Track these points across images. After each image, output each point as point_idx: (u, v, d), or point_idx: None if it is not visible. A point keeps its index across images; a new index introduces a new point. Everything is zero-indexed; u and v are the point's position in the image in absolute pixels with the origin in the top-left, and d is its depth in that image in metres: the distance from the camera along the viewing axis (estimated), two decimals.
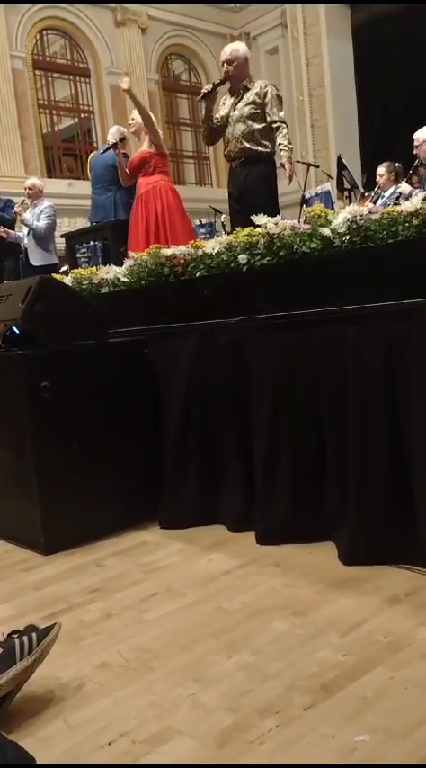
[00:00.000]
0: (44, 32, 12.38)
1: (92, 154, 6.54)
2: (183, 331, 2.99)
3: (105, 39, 12.92)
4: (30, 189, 6.51)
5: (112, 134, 5.83)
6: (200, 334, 2.90)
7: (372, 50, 11.68)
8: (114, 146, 5.07)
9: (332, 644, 1.75)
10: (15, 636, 1.62)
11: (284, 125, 4.31)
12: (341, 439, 2.37)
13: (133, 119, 4.92)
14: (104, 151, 5.46)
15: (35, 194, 6.48)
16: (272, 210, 3.02)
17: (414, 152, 5.71)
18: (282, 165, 4.30)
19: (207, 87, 4.42)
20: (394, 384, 2.22)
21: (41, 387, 2.66)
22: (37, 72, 12.28)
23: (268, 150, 4.33)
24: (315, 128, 11.84)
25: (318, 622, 1.87)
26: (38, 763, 1.31)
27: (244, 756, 1.37)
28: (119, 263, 3.71)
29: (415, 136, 5.68)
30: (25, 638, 1.60)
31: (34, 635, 1.62)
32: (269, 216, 2.76)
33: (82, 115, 13.12)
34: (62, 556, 2.62)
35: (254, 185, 4.34)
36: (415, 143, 5.66)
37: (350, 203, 6.69)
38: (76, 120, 13.17)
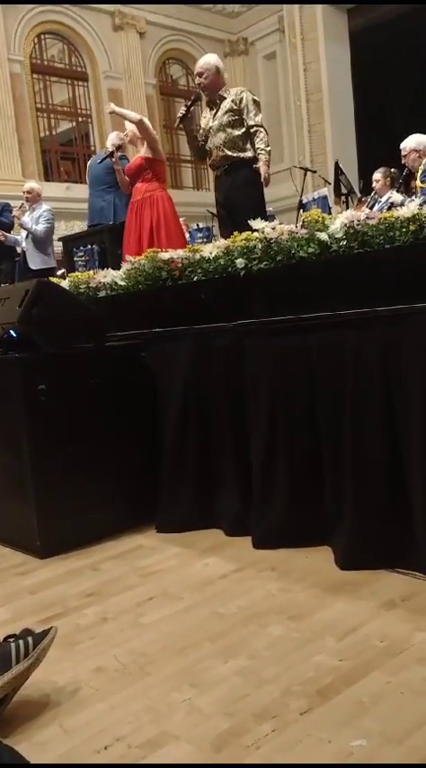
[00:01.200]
0: (42, 36, 12.40)
1: (91, 159, 6.54)
2: (181, 335, 3.00)
3: (103, 43, 12.95)
4: (28, 193, 6.52)
5: (112, 139, 5.84)
6: (198, 338, 2.90)
7: (369, 56, 11.73)
8: (111, 154, 5.08)
9: (328, 648, 1.75)
10: (11, 640, 1.61)
11: (262, 129, 4.35)
12: (338, 443, 2.37)
13: (126, 128, 4.96)
14: (101, 161, 5.47)
15: (34, 198, 6.50)
16: (260, 214, 3.03)
17: (402, 161, 5.73)
18: (257, 169, 4.31)
19: (181, 111, 4.49)
20: (391, 388, 2.22)
21: (38, 390, 2.66)
22: (35, 76, 12.30)
23: (250, 155, 4.38)
24: (313, 133, 11.86)
25: (314, 627, 1.87)
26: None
27: (240, 761, 1.36)
28: (117, 267, 3.71)
29: (402, 145, 5.70)
30: (21, 643, 1.60)
31: (30, 639, 1.62)
32: (259, 219, 2.77)
33: (80, 119, 13.13)
34: (58, 559, 2.62)
35: (239, 191, 4.38)
36: (402, 152, 5.68)
37: (347, 208, 6.71)
38: (74, 123, 13.18)
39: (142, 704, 1.59)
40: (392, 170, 6.57)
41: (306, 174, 7.67)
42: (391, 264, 2.32)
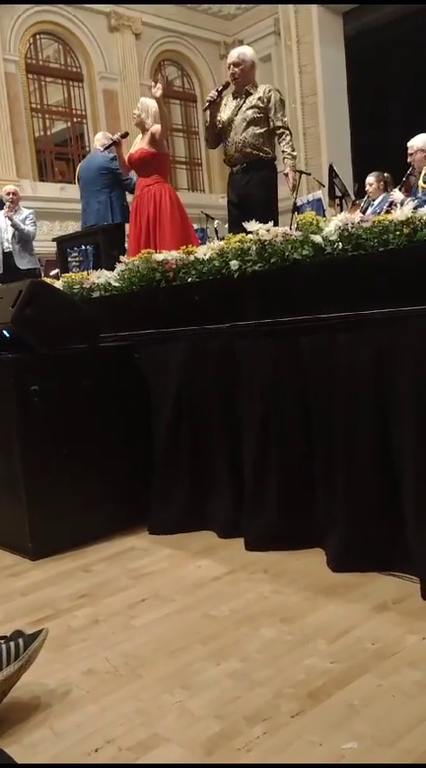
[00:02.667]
0: (38, 36, 12.37)
1: (81, 163, 6.50)
2: (174, 336, 2.99)
3: (99, 44, 12.93)
4: (14, 195, 6.55)
5: (99, 139, 5.84)
6: (191, 340, 2.90)
7: (364, 59, 11.76)
8: (115, 143, 5.06)
9: (320, 651, 1.75)
10: (2, 641, 1.61)
11: (287, 131, 4.27)
12: (330, 446, 2.37)
13: (137, 110, 4.87)
14: (106, 148, 5.45)
15: (18, 200, 6.57)
16: (273, 216, 3.00)
17: (408, 159, 5.73)
18: (286, 175, 4.27)
19: (211, 95, 4.36)
20: (383, 392, 2.23)
21: (31, 391, 2.65)
22: (30, 76, 12.27)
23: (270, 156, 4.30)
24: (307, 135, 11.87)
25: (306, 629, 1.87)
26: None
27: (231, 764, 1.36)
28: (111, 268, 3.70)
29: (410, 144, 5.69)
30: (12, 644, 1.59)
31: (21, 641, 1.61)
32: (271, 222, 2.76)
33: (74, 119, 13.11)
34: (50, 561, 2.61)
35: (256, 191, 4.29)
36: (409, 150, 5.68)
37: (341, 211, 6.72)
38: (69, 124, 13.16)
39: (133, 706, 1.58)
40: (385, 174, 6.60)
41: (300, 177, 7.65)
42: (385, 267, 2.33)
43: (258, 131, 4.26)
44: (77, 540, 2.74)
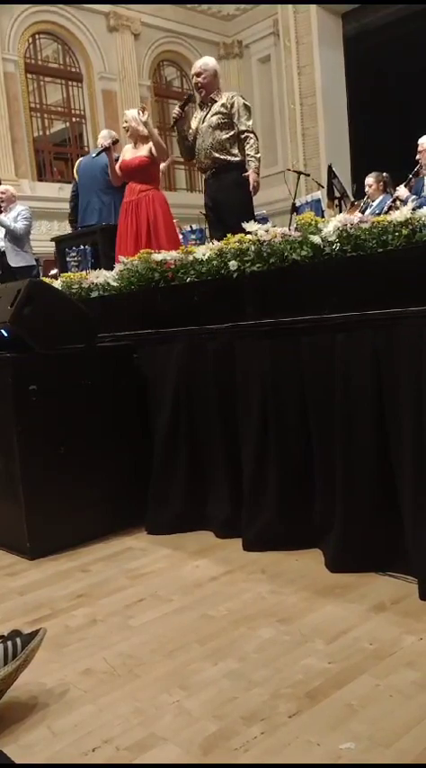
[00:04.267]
0: (37, 36, 12.38)
1: (79, 159, 6.48)
2: (172, 336, 2.99)
3: (98, 44, 12.94)
4: (2, 194, 6.53)
5: (104, 137, 5.80)
6: (189, 340, 2.89)
7: (363, 60, 11.77)
8: (107, 149, 5.06)
9: (317, 651, 1.74)
10: None
11: (252, 134, 4.35)
12: (328, 446, 2.37)
13: (126, 121, 4.89)
14: (97, 154, 5.44)
15: (8, 199, 6.53)
16: (247, 217, 3.02)
17: (417, 157, 5.74)
18: (247, 177, 4.30)
19: (175, 112, 4.49)
20: (381, 392, 2.23)
21: (29, 390, 2.65)
22: (29, 75, 12.28)
23: (237, 159, 4.37)
24: (306, 136, 11.88)
25: (304, 629, 1.87)
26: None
27: (229, 763, 1.36)
28: (109, 268, 3.70)
29: (420, 141, 5.70)
30: (9, 644, 1.59)
31: (18, 640, 1.61)
32: (247, 222, 2.77)
33: (73, 119, 13.12)
34: (47, 561, 2.61)
35: (226, 194, 4.37)
36: (419, 148, 5.69)
37: (340, 212, 6.73)
38: (68, 124, 13.17)
39: (131, 706, 1.58)
40: (384, 174, 6.60)
41: (299, 178, 7.67)
42: (383, 268, 2.33)
43: (224, 136, 4.35)
44: (75, 539, 2.74)
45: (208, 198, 4.57)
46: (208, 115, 4.41)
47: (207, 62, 4.52)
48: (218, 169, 4.41)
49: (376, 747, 1.36)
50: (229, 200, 4.33)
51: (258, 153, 4.36)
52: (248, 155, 4.33)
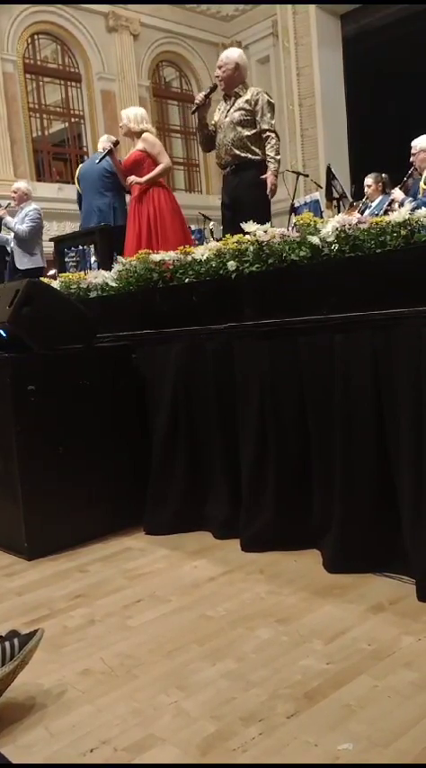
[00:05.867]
0: (36, 36, 12.37)
1: (80, 166, 6.47)
2: (171, 337, 2.99)
3: (97, 44, 12.93)
4: (14, 192, 6.48)
5: (103, 141, 5.81)
6: (188, 340, 2.89)
7: (362, 61, 11.77)
8: (109, 152, 5.06)
9: (316, 652, 1.74)
10: None
11: (273, 134, 4.27)
12: (327, 447, 2.38)
13: (123, 121, 4.90)
14: (100, 160, 5.44)
15: (20, 197, 6.46)
16: (264, 218, 2.99)
17: (411, 159, 5.72)
18: (265, 178, 4.27)
19: (198, 99, 4.40)
20: (380, 392, 2.23)
21: (28, 390, 2.65)
22: (28, 76, 12.26)
23: (258, 157, 4.29)
24: (305, 137, 11.88)
25: (302, 630, 1.87)
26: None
27: (227, 764, 1.36)
28: (108, 268, 3.70)
29: (413, 143, 5.68)
30: (7, 644, 1.59)
31: (16, 641, 1.61)
32: (260, 223, 2.76)
33: (72, 120, 13.11)
34: (45, 561, 2.61)
35: (245, 193, 4.29)
36: (412, 150, 5.67)
37: (338, 212, 6.73)
38: (67, 124, 13.15)
39: (129, 707, 1.58)
40: (383, 175, 6.60)
41: (298, 178, 7.68)
42: (382, 269, 2.33)
43: (246, 133, 4.27)
44: (73, 540, 2.73)
45: (225, 195, 4.49)
46: (232, 110, 4.32)
47: (229, 55, 4.40)
48: (238, 166, 4.33)
49: (374, 748, 1.36)
50: (247, 198, 4.26)
51: (278, 154, 4.28)
52: (268, 155, 4.25)
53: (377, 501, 2.24)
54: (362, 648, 1.74)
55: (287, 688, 1.59)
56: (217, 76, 4.38)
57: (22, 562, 2.62)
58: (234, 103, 4.34)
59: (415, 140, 5.68)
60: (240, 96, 4.32)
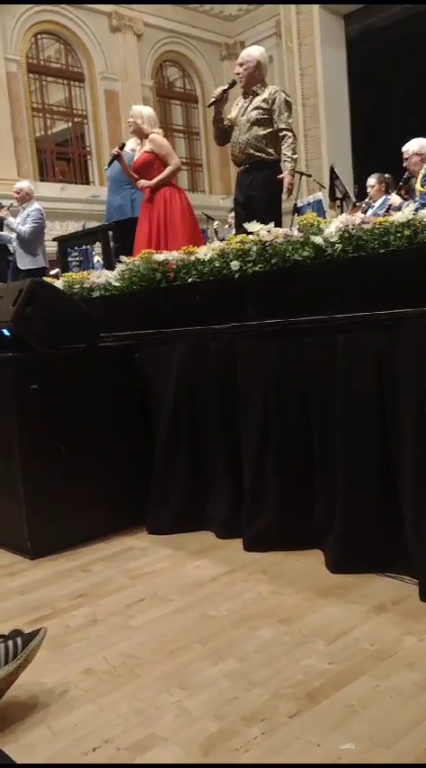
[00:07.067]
0: (39, 36, 12.39)
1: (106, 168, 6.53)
2: (174, 336, 2.99)
3: (100, 44, 12.94)
4: (17, 193, 6.48)
5: (129, 144, 5.82)
6: (191, 340, 2.90)
7: (365, 61, 11.78)
8: (117, 156, 5.06)
9: (318, 652, 1.74)
10: (0, 641, 1.60)
11: (290, 133, 4.24)
12: (330, 446, 2.37)
13: (131, 117, 4.87)
14: (109, 165, 5.45)
15: (23, 198, 6.44)
16: (275, 218, 2.98)
17: (404, 164, 5.73)
18: (279, 171, 4.26)
19: (216, 93, 4.37)
20: (383, 393, 2.23)
21: (31, 390, 2.65)
22: (31, 75, 12.28)
23: (273, 157, 4.28)
24: (308, 137, 11.88)
25: (305, 630, 1.87)
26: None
27: (229, 763, 1.36)
28: (112, 268, 3.70)
29: (404, 148, 5.68)
30: (10, 643, 1.59)
31: (19, 640, 1.61)
32: (272, 222, 2.76)
33: (75, 119, 13.12)
34: (48, 560, 2.61)
35: (258, 192, 4.28)
36: (404, 155, 5.67)
37: (341, 212, 6.73)
38: (70, 124, 13.17)
39: (131, 706, 1.58)
40: (386, 175, 6.60)
41: (301, 178, 7.68)
42: (385, 269, 2.33)
43: (261, 132, 4.25)
44: (76, 539, 2.74)
45: (239, 193, 4.49)
46: (249, 108, 4.30)
47: (251, 53, 4.38)
48: (252, 165, 4.32)
49: (376, 748, 1.36)
50: (259, 198, 4.25)
51: (295, 154, 4.27)
52: (284, 154, 4.22)
53: (379, 501, 2.24)
54: (364, 649, 1.74)
55: (289, 688, 1.59)
56: (238, 73, 4.36)
57: (25, 561, 2.63)
58: (251, 102, 4.32)
59: (406, 145, 5.68)
60: (258, 95, 4.31)
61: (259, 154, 4.28)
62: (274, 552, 2.46)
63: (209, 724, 1.48)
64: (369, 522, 2.25)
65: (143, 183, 4.74)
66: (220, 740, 1.43)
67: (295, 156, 4.26)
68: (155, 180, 4.69)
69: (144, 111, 4.89)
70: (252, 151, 4.28)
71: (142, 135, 4.80)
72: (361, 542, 2.25)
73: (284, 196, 4.25)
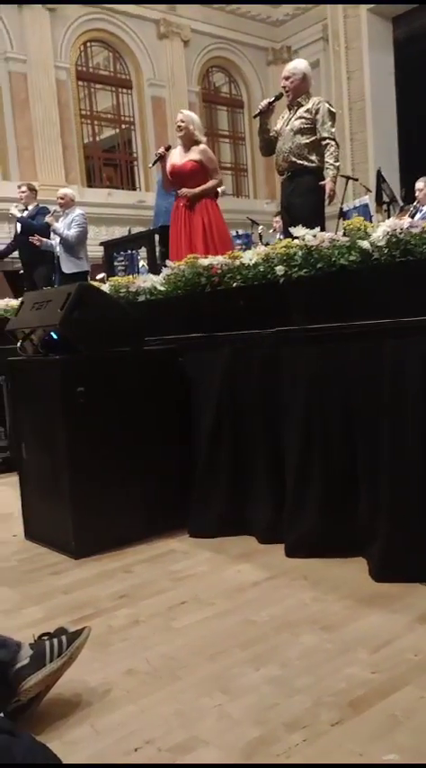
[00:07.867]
0: (88, 44, 12.61)
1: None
2: (218, 341, 3.00)
3: (148, 51, 13.10)
4: (61, 198, 6.62)
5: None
6: (235, 345, 2.90)
7: (413, 64, 11.62)
8: (161, 157, 5.11)
9: (361, 660, 1.72)
10: (46, 638, 1.63)
11: (333, 142, 4.30)
12: (374, 454, 2.35)
13: (182, 122, 4.89)
14: (153, 164, 5.51)
15: (66, 203, 6.58)
16: (317, 224, 2.99)
17: (416, 203, 5.71)
18: (321, 179, 4.29)
19: (262, 105, 4.48)
20: None
21: (77, 392, 2.69)
22: (80, 83, 12.50)
23: (314, 165, 4.34)
24: (355, 141, 11.80)
25: (347, 638, 1.85)
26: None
27: None
28: (157, 272, 3.73)
29: (418, 185, 5.69)
30: (55, 641, 1.62)
31: (64, 638, 1.63)
32: (318, 228, 2.75)
33: (123, 126, 13.30)
34: (91, 561, 2.64)
35: (299, 200, 4.35)
36: (417, 194, 5.67)
37: (388, 217, 6.65)
38: (117, 130, 13.36)
39: (172, 708, 1.59)
40: None
41: (347, 182, 7.62)
42: None
43: (304, 141, 4.33)
44: (119, 540, 2.76)
45: (283, 200, 4.60)
46: (293, 119, 4.40)
47: (297, 65, 4.50)
48: (294, 173, 4.40)
49: (420, 759, 1.33)
50: (301, 204, 4.32)
51: (337, 161, 4.32)
52: (327, 162, 4.30)
53: (424, 509, 2.20)
54: (409, 659, 1.71)
55: (331, 696, 1.58)
56: (284, 87, 4.46)
57: (69, 561, 2.67)
58: (296, 112, 4.42)
59: (419, 182, 5.64)
60: (302, 105, 4.40)
61: (301, 162, 4.35)
62: (316, 558, 2.44)
63: (251, 729, 1.48)
64: (415, 530, 2.21)
65: (186, 191, 4.78)
66: (261, 745, 1.42)
67: (337, 164, 4.32)
68: (199, 189, 4.75)
69: (195, 118, 4.95)
70: (294, 159, 4.35)
71: (191, 140, 4.83)
72: (406, 551, 2.21)
73: (325, 203, 4.28)
